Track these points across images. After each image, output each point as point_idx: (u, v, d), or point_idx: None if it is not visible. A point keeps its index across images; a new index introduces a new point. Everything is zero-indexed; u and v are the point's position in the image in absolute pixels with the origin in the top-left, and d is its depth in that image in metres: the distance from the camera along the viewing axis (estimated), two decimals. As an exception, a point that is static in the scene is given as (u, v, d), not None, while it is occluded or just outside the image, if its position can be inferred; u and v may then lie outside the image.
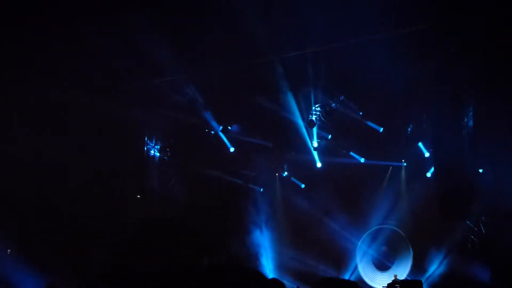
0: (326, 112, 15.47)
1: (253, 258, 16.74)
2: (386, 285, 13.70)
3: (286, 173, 17.59)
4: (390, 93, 15.01)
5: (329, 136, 16.06)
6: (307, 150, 16.14)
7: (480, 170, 15.01)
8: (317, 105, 15.45)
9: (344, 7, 13.38)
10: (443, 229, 15.49)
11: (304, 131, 15.86)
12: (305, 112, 15.62)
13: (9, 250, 13.15)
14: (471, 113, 14.06)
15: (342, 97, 15.27)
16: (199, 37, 14.36)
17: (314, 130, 15.61)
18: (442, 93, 14.43)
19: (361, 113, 15.47)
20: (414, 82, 14.59)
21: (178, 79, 15.12)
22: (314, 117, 15.54)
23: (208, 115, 16.00)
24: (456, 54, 14.14)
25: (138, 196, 16.23)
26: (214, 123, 16.12)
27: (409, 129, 15.72)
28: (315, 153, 16.25)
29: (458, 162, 14.79)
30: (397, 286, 13.16)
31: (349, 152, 16.37)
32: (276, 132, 16.41)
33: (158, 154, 16.63)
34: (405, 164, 16.67)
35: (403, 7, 13.65)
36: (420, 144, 15.74)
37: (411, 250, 16.15)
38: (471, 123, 13.99)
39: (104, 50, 13.87)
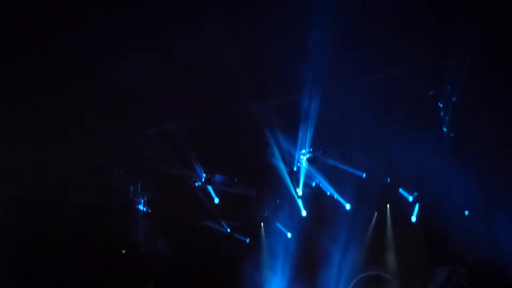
0: (310, 159, 15.65)
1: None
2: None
3: (271, 222, 17.51)
4: (371, 138, 15.33)
5: (314, 184, 16.15)
6: (291, 198, 16.19)
7: (466, 212, 15.21)
8: (301, 152, 15.58)
9: (327, 55, 13.80)
10: (430, 273, 15.53)
11: (288, 179, 15.98)
12: (289, 159, 15.79)
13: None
14: (455, 154, 14.41)
15: (325, 143, 15.50)
16: (184, 87, 14.61)
17: (301, 177, 15.75)
18: (425, 135, 14.79)
19: (343, 159, 15.69)
20: (395, 126, 14.94)
21: (163, 130, 15.26)
22: (296, 166, 15.77)
23: (192, 166, 16.05)
24: (436, 96, 14.57)
25: (123, 251, 16.07)
26: (198, 174, 16.13)
27: (388, 179, 15.92)
28: (299, 201, 16.28)
29: (443, 206, 15.03)
30: None
31: (334, 198, 16.38)
32: (260, 180, 16.52)
33: (142, 207, 16.49)
34: (389, 209, 16.74)
35: (382, 53, 14.08)
36: (401, 190, 15.92)
37: (398, 296, 16.12)
38: (455, 163, 14.30)
39: (89, 98, 14.12)
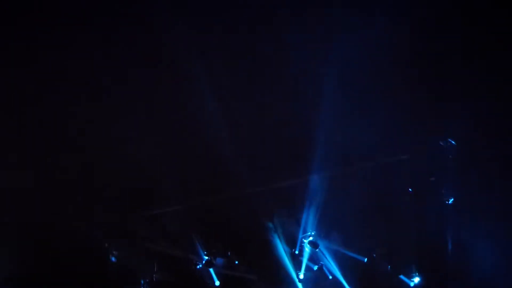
0: (311, 243, 15.88)
1: None
2: None
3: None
4: (372, 221, 15.62)
5: (316, 267, 16.19)
6: (293, 282, 16.15)
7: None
8: (303, 236, 15.85)
9: (330, 140, 14.19)
10: None
11: (289, 262, 16.06)
12: (291, 243, 16.01)
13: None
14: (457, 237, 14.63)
15: (327, 227, 15.72)
16: (186, 169, 14.84)
17: (304, 260, 15.90)
18: (426, 220, 15.02)
19: (345, 244, 15.94)
20: (397, 210, 15.20)
21: (164, 212, 15.40)
22: (298, 249, 15.99)
23: (193, 248, 16.05)
24: (438, 181, 14.90)
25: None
26: (199, 257, 16.12)
27: (389, 266, 16.10)
28: (300, 285, 16.25)
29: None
30: None
31: (337, 282, 16.35)
32: (261, 263, 16.48)
33: (143, 290, 16.35)
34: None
35: (384, 138, 14.50)
36: (401, 276, 16.02)
37: None
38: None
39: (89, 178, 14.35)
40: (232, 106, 14.35)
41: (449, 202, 14.93)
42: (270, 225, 15.86)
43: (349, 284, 16.14)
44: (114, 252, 15.89)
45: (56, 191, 14.33)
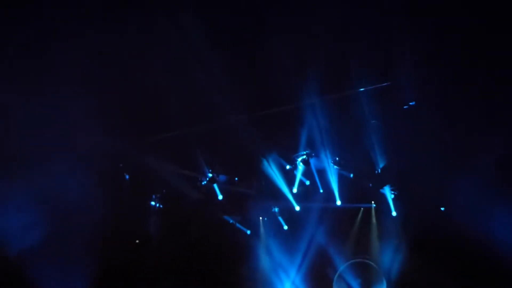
0: (304, 161, 17.51)
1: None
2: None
3: (269, 216, 18.94)
4: (357, 143, 17.12)
5: (308, 182, 17.95)
6: (287, 195, 17.92)
7: (442, 208, 17.28)
8: (296, 155, 17.51)
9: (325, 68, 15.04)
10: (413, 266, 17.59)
11: (285, 178, 17.80)
12: (286, 161, 17.68)
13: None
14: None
15: (319, 147, 17.34)
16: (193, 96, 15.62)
17: (297, 176, 17.63)
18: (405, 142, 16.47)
19: (332, 162, 17.60)
20: (383, 132, 16.68)
21: (174, 135, 16.80)
22: (292, 167, 17.67)
23: (199, 167, 17.59)
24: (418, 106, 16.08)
25: (137, 241, 17.78)
26: (204, 174, 17.67)
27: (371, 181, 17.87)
28: (293, 198, 17.93)
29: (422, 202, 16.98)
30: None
31: (326, 195, 18.14)
32: (259, 180, 18.18)
33: (154, 203, 17.95)
34: (374, 205, 18.61)
35: (369, 64, 15.20)
36: (381, 190, 17.88)
37: (384, 281, 17.89)
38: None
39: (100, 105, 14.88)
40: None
41: (429, 127, 15.82)
42: (268, 146, 17.33)
43: (339, 197, 18.10)
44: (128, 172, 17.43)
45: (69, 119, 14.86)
